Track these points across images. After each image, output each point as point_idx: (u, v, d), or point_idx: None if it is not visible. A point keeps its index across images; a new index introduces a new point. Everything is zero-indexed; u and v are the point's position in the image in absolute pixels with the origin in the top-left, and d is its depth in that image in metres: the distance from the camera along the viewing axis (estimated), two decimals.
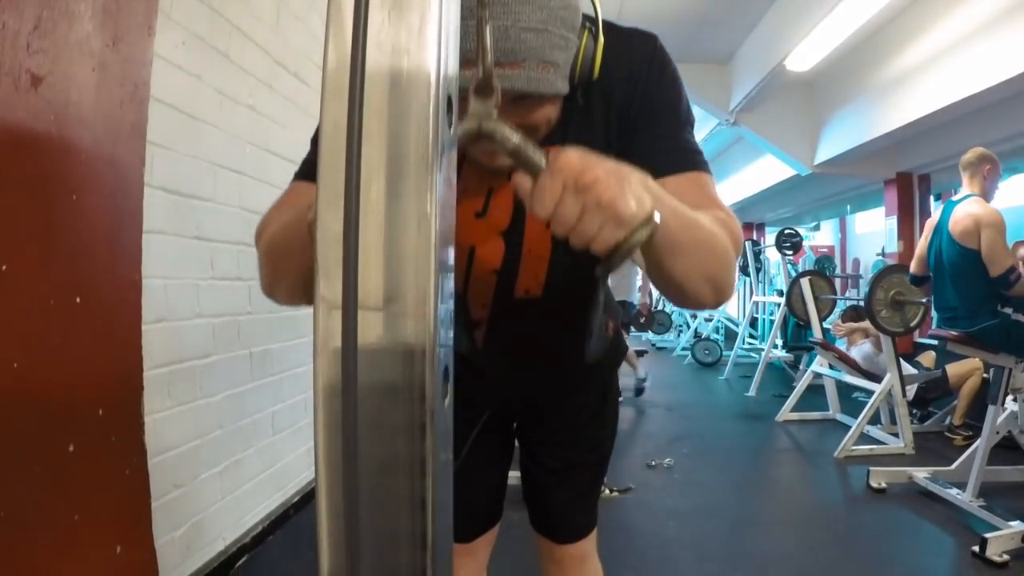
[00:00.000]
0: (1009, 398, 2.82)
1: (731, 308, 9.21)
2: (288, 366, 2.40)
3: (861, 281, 10.59)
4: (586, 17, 0.73)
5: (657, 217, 0.53)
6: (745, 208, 8.36)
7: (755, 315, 7.69)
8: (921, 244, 3.24)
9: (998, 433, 2.81)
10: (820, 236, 11.82)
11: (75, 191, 1.34)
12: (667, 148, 0.76)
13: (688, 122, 0.79)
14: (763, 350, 6.08)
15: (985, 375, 3.79)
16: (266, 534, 2.29)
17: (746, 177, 7.26)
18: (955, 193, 3.09)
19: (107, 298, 1.44)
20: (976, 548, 2.28)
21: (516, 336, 0.93)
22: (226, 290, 1.97)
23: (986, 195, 2.98)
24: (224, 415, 1.99)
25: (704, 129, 6.24)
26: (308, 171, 0.80)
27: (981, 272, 2.90)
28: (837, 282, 10.32)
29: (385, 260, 0.34)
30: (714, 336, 8.25)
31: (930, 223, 3.18)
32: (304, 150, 0.83)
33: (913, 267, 3.34)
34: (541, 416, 1.08)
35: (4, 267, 1.15)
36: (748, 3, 4.25)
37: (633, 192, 0.52)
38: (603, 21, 0.74)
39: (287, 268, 0.69)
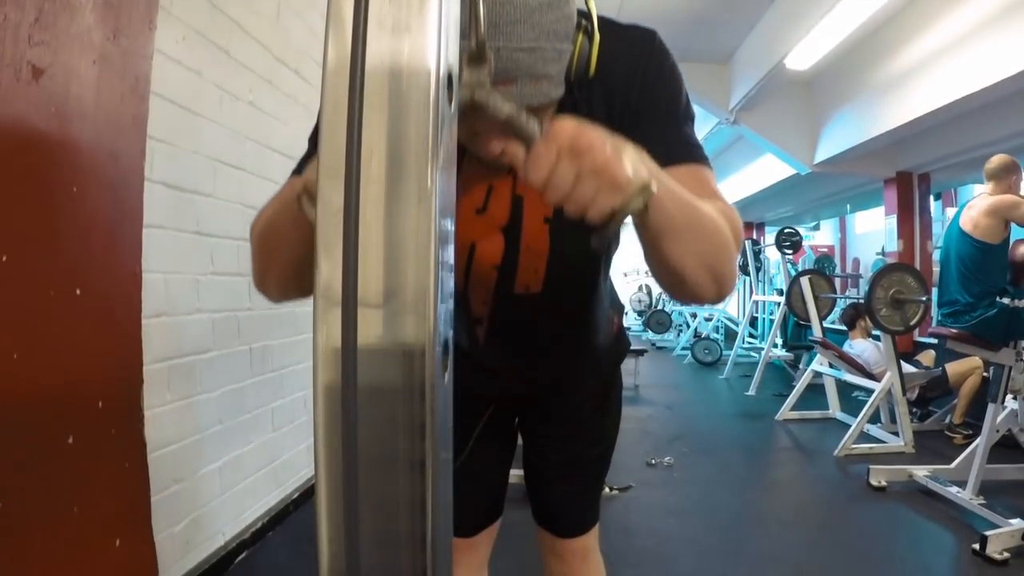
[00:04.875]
0: (1009, 396, 2.83)
1: (731, 308, 9.22)
2: (288, 362, 2.40)
3: (861, 280, 10.64)
4: (581, 14, 0.69)
5: (654, 186, 0.52)
6: (745, 207, 8.37)
7: (755, 314, 7.69)
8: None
9: (998, 431, 2.82)
10: (820, 236, 11.84)
11: (75, 183, 1.33)
12: (668, 140, 0.74)
13: (688, 116, 0.79)
14: (763, 350, 6.08)
15: (985, 374, 3.80)
16: (265, 530, 2.28)
17: (746, 176, 7.27)
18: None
19: (107, 290, 1.44)
20: (976, 546, 2.28)
21: (517, 332, 0.93)
22: (226, 285, 1.97)
23: None
24: (224, 410, 1.98)
25: (704, 128, 6.25)
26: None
27: (987, 265, 2.97)
28: (837, 282, 10.39)
29: (386, 244, 0.34)
30: (714, 336, 8.25)
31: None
32: (304, 148, 0.83)
33: None
34: (544, 411, 1.07)
35: (4, 258, 1.15)
36: (747, 2, 4.25)
37: (629, 159, 0.51)
38: (601, 18, 0.72)
39: (278, 249, 0.69)
